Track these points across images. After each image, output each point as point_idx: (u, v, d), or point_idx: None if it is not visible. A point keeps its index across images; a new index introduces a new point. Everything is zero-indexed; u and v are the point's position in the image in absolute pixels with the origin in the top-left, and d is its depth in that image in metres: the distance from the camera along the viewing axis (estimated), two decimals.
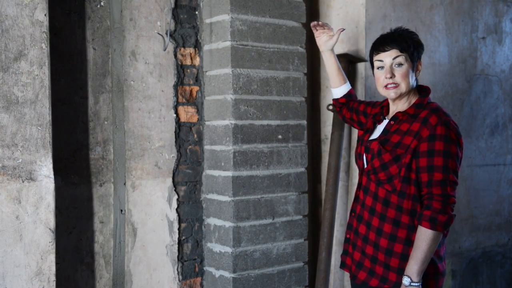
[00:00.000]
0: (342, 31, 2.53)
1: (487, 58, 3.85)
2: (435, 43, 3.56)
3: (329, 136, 3.33)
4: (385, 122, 2.31)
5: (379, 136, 2.26)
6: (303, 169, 3.04)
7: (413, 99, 2.25)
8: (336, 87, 2.64)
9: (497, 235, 4.01)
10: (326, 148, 3.39)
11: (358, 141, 2.41)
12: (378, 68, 2.25)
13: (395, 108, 2.29)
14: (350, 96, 2.64)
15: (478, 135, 3.84)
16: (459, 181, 2.22)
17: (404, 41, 2.20)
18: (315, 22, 2.55)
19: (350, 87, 2.65)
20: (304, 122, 3.04)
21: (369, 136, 2.34)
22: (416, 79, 2.27)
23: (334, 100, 2.68)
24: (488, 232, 3.96)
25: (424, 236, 2.09)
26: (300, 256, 3.03)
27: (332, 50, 2.58)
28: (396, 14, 3.32)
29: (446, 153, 2.09)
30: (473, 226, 3.86)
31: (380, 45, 2.24)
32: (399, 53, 2.19)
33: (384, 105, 2.38)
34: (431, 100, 2.26)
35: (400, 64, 2.20)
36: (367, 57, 3.21)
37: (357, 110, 2.55)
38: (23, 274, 2.31)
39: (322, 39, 2.57)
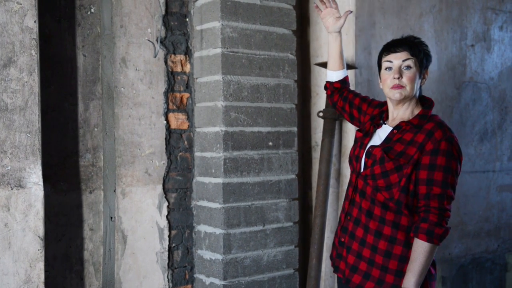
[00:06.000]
0: (349, 13, 2.51)
1: (476, 66, 3.88)
2: None
3: (319, 143, 3.34)
4: (385, 128, 2.30)
5: (382, 144, 2.26)
6: (293, 176, 3.04)
7: (416, 109, 2.26)
8: (333, 70, 2.61)
9: (486, 242, 4.03)
10: (316, 155, 3.39)
11: (356, 142, 2.38)
12: (386, 68, 2.25)
13: (395, 114, 2.29)
14: (344, 82, 2.61)
15: (468, 142, 3.86)
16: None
17: (415, 47, 2.23)
18: (319, 1, 2.55)
19: (346, 74, 2.63)
20: (295, 129, 3.05)
21: (369, 140, 2.34)
22: (420, 88, 2.28)
23: (328, 82, 2.64)
24: (478, 238, 3.98)
25: (421, 249, 2.11)
26: (291, 263, 3.03)
27: (339, 32, 2.55)
28: (386, 21, 3.34)
29: (447, 168, 2.11)
30: (462, 232, 3.88)
31: (391, 46, 2.25)
32: (409, 56, 2.21)
33: (384, 110, 2.38)
34: (433, 112, 2.28)
35: (408, 67, 2.21)
36: (357, 64, 3.22)
37: (351, 103, 2.54)
38: (12, 282, 2.30)
39: (329, 21, 2.54)
